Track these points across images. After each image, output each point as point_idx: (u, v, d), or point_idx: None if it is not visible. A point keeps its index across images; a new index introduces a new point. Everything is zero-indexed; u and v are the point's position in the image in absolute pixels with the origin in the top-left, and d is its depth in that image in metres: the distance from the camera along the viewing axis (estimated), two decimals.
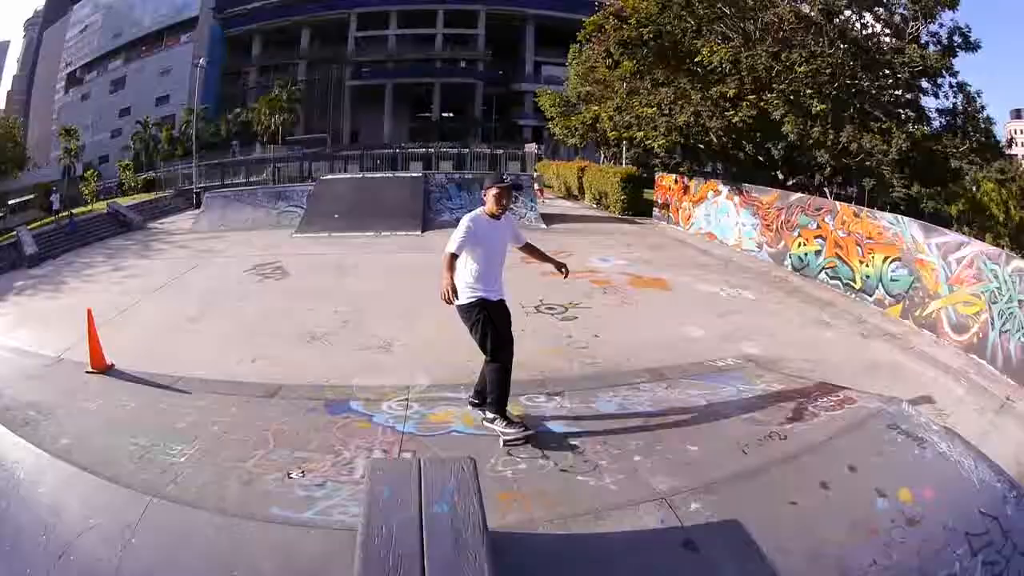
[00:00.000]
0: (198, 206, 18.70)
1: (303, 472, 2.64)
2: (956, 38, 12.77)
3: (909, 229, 8.68)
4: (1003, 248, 11.87)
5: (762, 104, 12.31)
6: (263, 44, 46.56)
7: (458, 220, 3.62)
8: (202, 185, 25.83)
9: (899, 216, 9.30)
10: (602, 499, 2.64)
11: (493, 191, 3.70)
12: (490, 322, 3.57)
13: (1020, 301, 6.80)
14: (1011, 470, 3.71)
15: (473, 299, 3.58)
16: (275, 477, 2.65)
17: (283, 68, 45.38)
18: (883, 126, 12.27)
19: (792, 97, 12.17)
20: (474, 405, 3.91)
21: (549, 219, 14.55)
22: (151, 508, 2.39)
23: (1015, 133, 72.28)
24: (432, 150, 33.15)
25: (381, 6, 44.69)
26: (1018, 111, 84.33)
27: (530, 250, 4.10)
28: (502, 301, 3.74)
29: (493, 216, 3.72)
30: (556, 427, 3.61)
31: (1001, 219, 20.89)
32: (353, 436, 3.29)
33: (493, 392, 3.63)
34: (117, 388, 4.35)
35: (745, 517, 2.63)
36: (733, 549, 2.40)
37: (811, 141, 12.49)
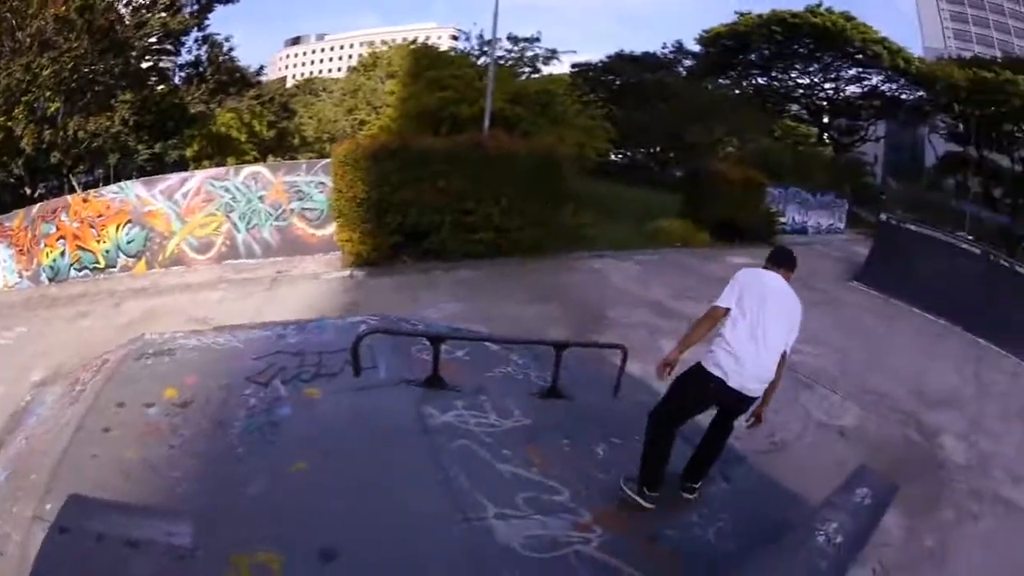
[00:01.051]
0: None
1: None
2: None
3: (133, 190, 9.08)
4: (268, 163, 13.16)
5: (9, 124, 11.55)
6: None
7: None
8: None
9: (123, 183, 9.67)
10: None
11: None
12: None
13: (260, 197, 8.22)
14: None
15: None
16: None
17: None
18: (116, 101, 12.61)
19: (35, 105, 11.79)
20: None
21: None
22: None
23: (284, 59, 79.97)
24: None
25: None
26: (296, 39, 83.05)
27: None
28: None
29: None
30: None
31: (244, 139, 20.91)
32: None
33: None
34: None
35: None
36: None
37: (44, 145, 12.16)
